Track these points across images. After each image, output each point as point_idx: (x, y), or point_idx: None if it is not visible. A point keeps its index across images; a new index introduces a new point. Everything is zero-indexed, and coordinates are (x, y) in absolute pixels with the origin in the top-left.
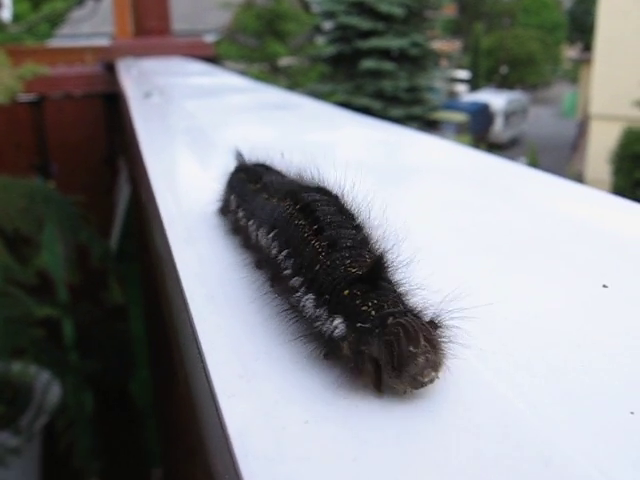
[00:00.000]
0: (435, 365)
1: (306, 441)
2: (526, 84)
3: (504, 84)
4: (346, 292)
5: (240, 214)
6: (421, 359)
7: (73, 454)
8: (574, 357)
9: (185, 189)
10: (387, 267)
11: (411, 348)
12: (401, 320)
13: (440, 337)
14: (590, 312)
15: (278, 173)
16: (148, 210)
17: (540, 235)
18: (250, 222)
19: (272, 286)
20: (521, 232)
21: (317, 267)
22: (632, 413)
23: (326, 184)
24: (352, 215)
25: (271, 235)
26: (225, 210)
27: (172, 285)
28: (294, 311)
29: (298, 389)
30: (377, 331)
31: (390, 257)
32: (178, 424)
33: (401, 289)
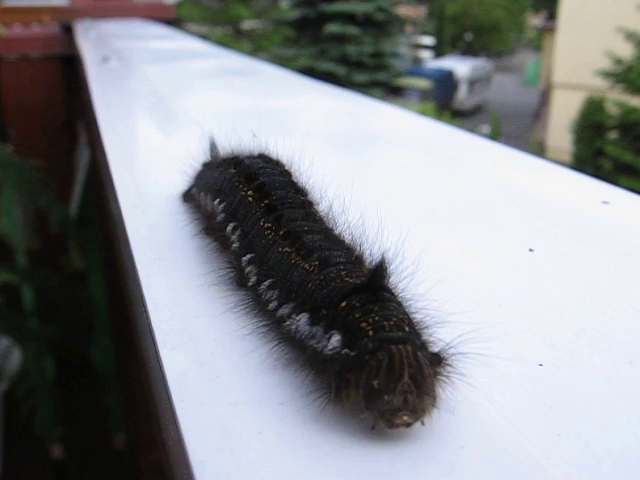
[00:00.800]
0: (415, 409)
1: (238, 387)
2: (490, 51)
3: (468, 51)
4: (344, 304)
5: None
6: (397, 399)
7: (34, 420)
8: (495, 316)
9: (141, 156)
10: (388, 274)
11: (389, 385)
12: (393, 348)
13: (436, 378)
14: (514, 274)
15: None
16: (103, 175)
17: (478, 200)
18: (231, 229)
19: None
20: (462, 198)
21: (309, 285)
22: (541, 365)
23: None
24: (339, 237)
25: (247, 257)
26: (189, 197)
27: (123, 247)
28: (288, 339)
29: (233, 342)
30: (366, 358)
31: (391, 263)
32: (139, 389)
33: (405, 300)
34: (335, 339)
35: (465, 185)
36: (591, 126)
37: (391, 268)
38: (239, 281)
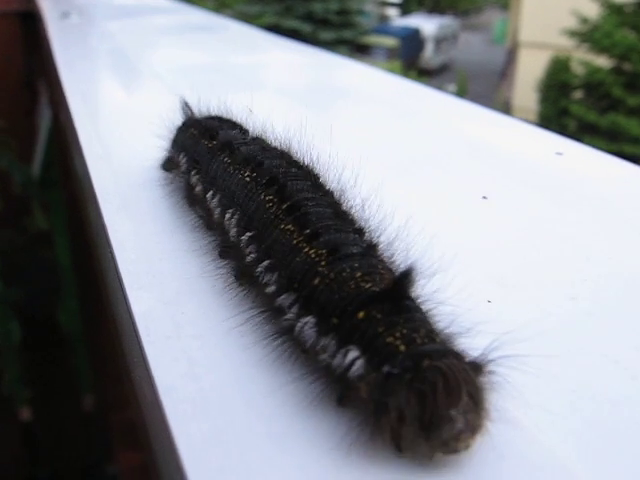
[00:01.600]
0: (475, 428)
1: (201, 322)
2: (457, 10)
3: (435, 9)
4: (361, 314)
5: (194, 179)
6: (460, 422)
7: (2, 382)
8: (449, 258)
9: (105, 113)
10: (412, 279)
11: (450, 408)
12: (440, 365)
13: (484, 388)
14: (467, 220)
15: (236, 127)
16: (67, 134)
17: (437, 152)
18: (211, 196)
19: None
20: (423, 150)
21: (316, 281)
22: (489, 301)
23: (299, 151)
24: (349, 214)
25: (247, 236)
26: (170, 166)
27: (89, 199)
28: (287, 338)
29: (197, 282)
30: (408, 377)
31: (416, 268)
32: (107, 350)
33: (427, 309)
34: (353, 356)
35: (426, 138)
36: (556, 85)
37: (417, 277)
38: (223, 252)
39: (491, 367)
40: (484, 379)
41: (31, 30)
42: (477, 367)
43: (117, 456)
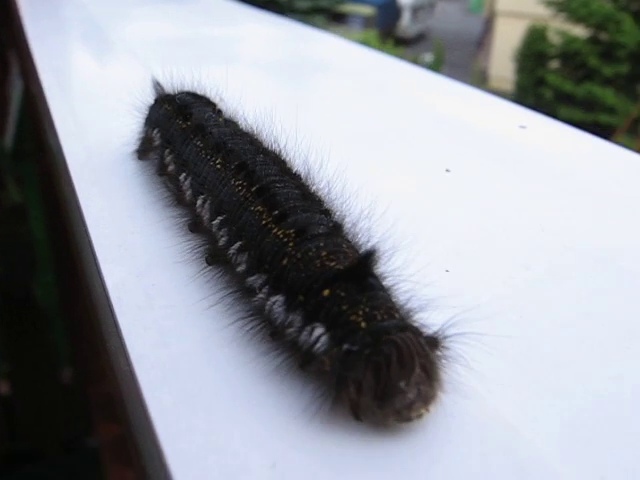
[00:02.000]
0: (427, 398)
1: (172, 293)
2: None
3: None
4: (326, 292)
5: (168, 158)
6: (411, 393)
7: None
8: (409, 229)
9: (78, 87)
10: (375, 258)
11: (402, 380)
12: (396, 339)
13: (440, 362)
14: (430, 192)
15: (210, 105)
16: (39, 106)
17: (403, 126)
18: (184, 178)
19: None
20: (389, 123)
21: (284, 261)
22: (447, 271)
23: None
24: (316, 195)
25: (218, 220)
26: (144, 144)
27: (62, 174)
28: (258, 317)
29: (168, 254)
30: (366, 352)
31: (379, 247)
32: (84, 323)
33: (389, 285)
34: (318, 333)
35: (394, 111)
36: (533, 55)
37: (380, 255)
38: (194, 226)
39: (447, 342)
40: (439, 353)
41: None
42: (433, 341)
43: (97, 428)
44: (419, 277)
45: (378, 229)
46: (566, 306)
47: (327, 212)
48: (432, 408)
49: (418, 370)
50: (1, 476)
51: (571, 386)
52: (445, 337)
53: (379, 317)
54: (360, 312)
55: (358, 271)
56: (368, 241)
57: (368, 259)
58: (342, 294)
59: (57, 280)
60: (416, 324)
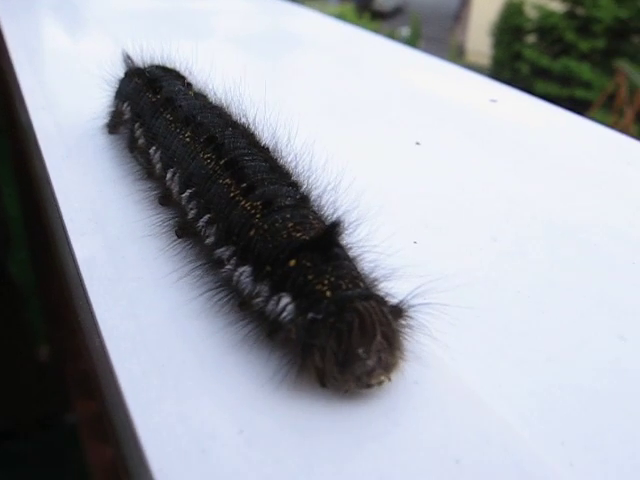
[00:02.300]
0: (388, 366)
1: (141, 266)
2: None
3: None
4: (293, 262)
5: (138, 132)
6: (371, 360)
7: None
8: (377, 201)
9: (48, 61)
10: (341, 229)
11: (362, 347)
12: (358, 306)
13: (403, 331)
14: (399, 165)
15: (180, 79)
16: (9, 82)
17: (376, 99)
18: (154, 151)
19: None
20: (361, 97)
21: (251, 232)
22: (415, 242)
23: (238, 107)
24: (284, 168)
25: (188, 193)
26: (114, 118)
27: (32, 148)
28: (226, 288)
29: (137, 227)
30: (331, 321)
31: (345, 218)
32: (60, 300)
33: (355, 255)
34: (285, 302)
35: (366, 85)
36: (510, 29)
37: (346, 226)
38: (164, 199)
39: (411, 311)
40: (403, 322)
41: None
42: (397, 311)
43: (74, 405)
44: (386, 248)
45: (345, 201)
46: (531, 277)
47: (294, 184)
48: (393, 376)
49: (379, 338)
50: None
51: (534, 354)
52: (409, 307)
53: (344, 286)
54: (325, 281)
55: (324, 241)
56: (335, 213)
57: (334, 229)
58: (308, 264)
59: (32, 257)
60: (381, 293)
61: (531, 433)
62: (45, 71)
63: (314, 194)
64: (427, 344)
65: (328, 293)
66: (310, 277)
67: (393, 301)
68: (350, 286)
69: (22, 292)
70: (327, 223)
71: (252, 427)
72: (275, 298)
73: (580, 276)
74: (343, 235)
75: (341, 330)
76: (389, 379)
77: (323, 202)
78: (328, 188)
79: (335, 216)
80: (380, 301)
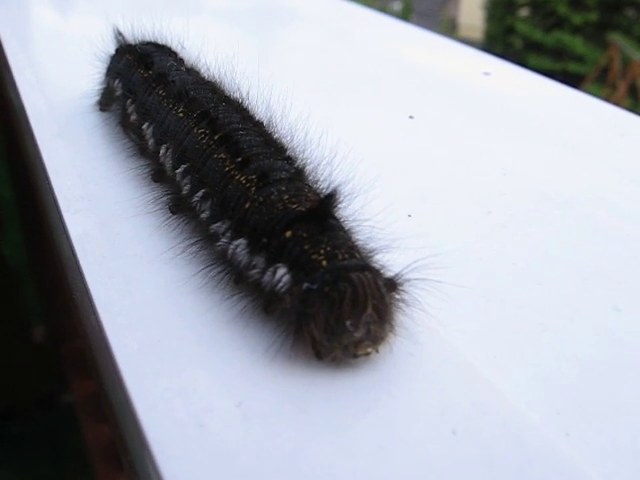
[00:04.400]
0: (376, 338)
1: (135, 242)
2: None
3: None
4: (289, 233)
5: (130, 108)
6: (360, 332)
7: None
8: (371, 174)
9: (37, 36)
10: (336, 200)
11: (352, 317)
12: (352, 276)
13: (395, 304)
14: (393, 138)
15: (172, 55)
16: None
17: (368, 74)
18: (146, 127)
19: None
20: (355, 71)
21: (247, 205)
22: (409, 215)
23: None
24: (279, 142)
25: (182, 168)
26: (106, 95)
27: (23, 127)
28: (222, 262)
29: (131, 204)
30: (325, 290)
31: (340, 189)
32: (54, 281)
33: (350, 227)
34: (281, 273)
35: (360, 60)
36: (503, 3)
37: (341, 197)
38: (157, 176)
39: (405, 285)
40: (397, 296)
41: None
42: (391, 284)
43: (71, 385)
44: (380, 220)
45: (340, 174)
46: (526, 249)
47: (289, 158)
48: (381, 348)
49: (370, 310)
50: None
51: (530, 326)
52: (404, 280)
53: (340, 256)
54: (321, 251)
55: (320, 212)
56: (330, 186)
57: (329, 200)
58: (304, 235)
59: (25, 238)
60: (377, 265)
61: (527, 403)
62: (35, 49)
63: (309, 168)
64: (422, 316)
65: (324, 263)
66: (306, 247)
67: (388, 274)
68: (346, 256)
69: (16, 274)
70: (323, 195)
71: (249, 400)
72: (271, 269)
73: (574, 248)
74: (339, 207)
75: (333, 299)
76: (376, 351)
77: (318, 175)
78: (323, 162)
79: (330, 188)
80: (375, 273)
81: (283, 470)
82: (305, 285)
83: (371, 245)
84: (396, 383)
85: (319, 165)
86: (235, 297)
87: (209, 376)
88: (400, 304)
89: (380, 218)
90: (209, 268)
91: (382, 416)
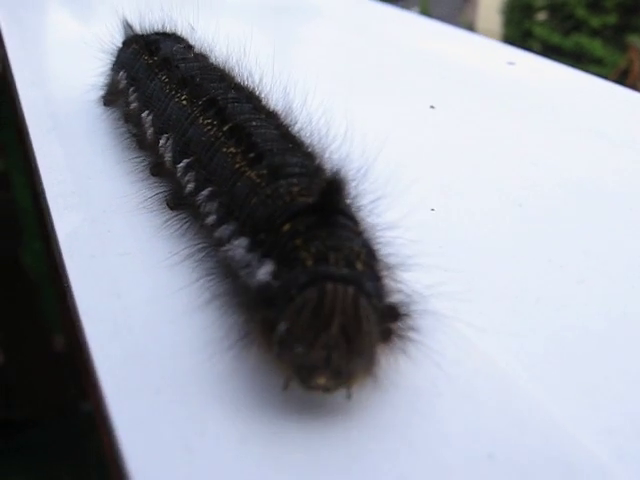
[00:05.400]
0: (338, 373)
1: (127, 240)
2: None
3: None
4: (287, 227)
5: (132, 97)
6: (315, 353)
7: None
8: (393, 166)
9: (41, 30)
10: (345, 192)
11: (306, 335)
12: (328, 287)
13: (376, 335)
14: (414, 128)
15: (181, 43)
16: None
17: (389, 66)
18: (146, 115)
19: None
20: (376, 64)
21: (254, 200)
22: (433, 210)
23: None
24: (295, 136)
25: (184, 163)
26: (111, 89)
27: (20, 122)
28: (221, 268)
29: (124, 200)
30: (292, 292)
31: (353, 177)
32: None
33: (367, 227)
34: (265, 268)
35: (381, 53)
36: (520, 7)
37: (351, 183)
38: (156, 169)
39: (413, 317)
40: (395, 327)
41: None
42: (392, 312)
43: (89, 394)
44: (402, 217)
45: (359, 167)
46: (563, 245)
47: (307, 154)
48: (349, 388)
49: (334, 331)
50: (0, 444)
51: (572, 330)
52: (412, 310)
53: (332, 260)
54: (312, 249)
55: (324, 204)
56: (337, 172)
57: (334, 191)
58: (301, 229)
59: (45, 247)
60: (382, 284)
61: (574, 420)
62: (38, 44)
63: (328, 164)
64: (449, 321)
65: (309, 262)
66: (298, 242)
67: (394, 298)
68: (342, 262)
69: (36, 282)
70: (324, 183)
71: (250, 421)
72: (260, 266)
73: (618, 243)
74: (346, 196)
75: (294, 306)
76: (340, 387)
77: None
78: (342, 155)
79: (333, 174)
80: (366, 291)
81: None
82: (277, 283)
83: (388, 253)
84: (421, 399)
85: (338, 158)
86: (226, 296)
87: (201, 390)
88: (399, 338)
89: (402, 213)
90: (208, 273)
91: (405, 437)
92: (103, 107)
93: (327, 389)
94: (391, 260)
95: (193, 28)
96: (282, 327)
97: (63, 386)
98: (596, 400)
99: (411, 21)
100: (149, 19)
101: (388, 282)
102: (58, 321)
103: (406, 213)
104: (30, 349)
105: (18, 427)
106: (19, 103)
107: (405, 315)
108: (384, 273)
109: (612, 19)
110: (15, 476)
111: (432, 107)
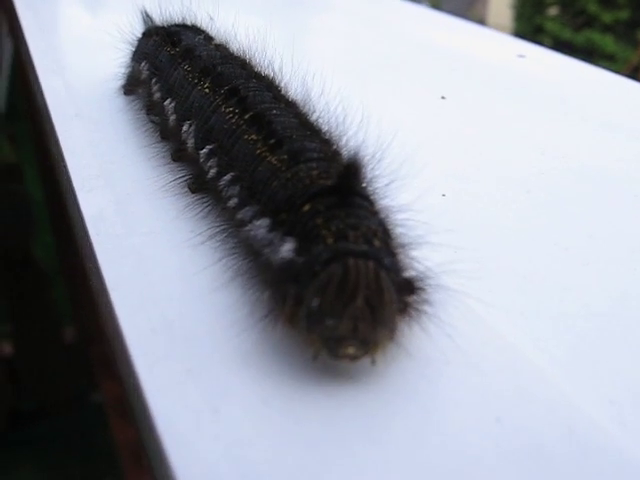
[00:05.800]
0: (364, 340)
1: (151, 219)
2: None
3: None
4: (307, 207)
5: (155, 87)
6: (343, 326)
7: None
8: (405, 153)
9: (61, 20)
10: (362, 174)
11: (333, 308)
12: (350, 262)
13: (395, 306)
14: (425, 118)
15: (201, 34)
16: (21, 51)
17: (400, 58)
18: (168, 103)
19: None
20: (387, 56)
21: (274, 183)
22: (444, 195)
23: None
24: (314, 124)
25: (207, 149)
26: (132, 78)
27: (41, 108)
28: (244, 247)
29: (148, 183)
30: (316, 269)
31: (369, 162)
32: (84, 282)
33: (383, 209)
34: (288, 246)
35: (392, 45)
36: (532, 2)
37: (367, 167)
38: (178, 155)
39: (427, 290)
40: (411, 299)
41: None
42: (407, 285)
43: (100, 386)
44: (414, 201)
45: (371, 148)
46: (569, 229)
47: (326, 141)
48: (374, 355)
49: (360, 303)
50: (10, 435)
51: (576, 308)
52: (426, 284)
53: (352, 238)
54: (333, 228)
55: (342, 185)
56: (353, 155)
57: (352, 170)
58: (321, 208)
59: (56, 240)
60: (398, 259)
61: (576, 390)
62: (58, 33)
63: (345, 151)
64: (460, 297)
65: (330, 240)
66: (319, 221)
67: (409, 273)
68: (360, 240)
69: (47, 274)
70: (342, 166)
71: (270, 384)
72: (282, 244)
73: (621, 228)
74: (363, 178)
75: (321, 281)
76: (366, 355)
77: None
78: (358, 143)
79: (350, 159)
80: (383, 265)
81: (306, 459)
82: (300, 260)
83: (402, 233)
84: (432, 367)
85: (355, 146)
86: (248, 274)
87: (225, 358)
88: (414, 311)
89: (414, 197)
90: (231, 252)
91: (417, 402)
92: (123, 96)
93: (354, 358)
94: (405, 239)
95: (212, 19)
96: (314, 302)
97: (73, 378)
98: (598, 372)
99: (422, 14)
100: (168, 10)
101: (403, 259)
102: (68, 313)
103: (418, 197)
104: (40, 341)
105: (28, 418)
106: (40, 90)
107: (420, 289)
108: (399, 250)
109: (624, 15)
110: (25, 466)
111: (443, 98)
